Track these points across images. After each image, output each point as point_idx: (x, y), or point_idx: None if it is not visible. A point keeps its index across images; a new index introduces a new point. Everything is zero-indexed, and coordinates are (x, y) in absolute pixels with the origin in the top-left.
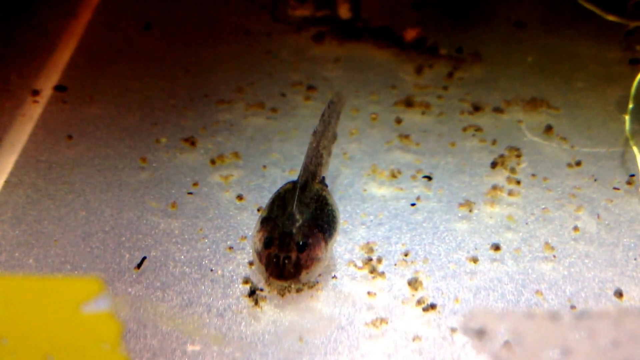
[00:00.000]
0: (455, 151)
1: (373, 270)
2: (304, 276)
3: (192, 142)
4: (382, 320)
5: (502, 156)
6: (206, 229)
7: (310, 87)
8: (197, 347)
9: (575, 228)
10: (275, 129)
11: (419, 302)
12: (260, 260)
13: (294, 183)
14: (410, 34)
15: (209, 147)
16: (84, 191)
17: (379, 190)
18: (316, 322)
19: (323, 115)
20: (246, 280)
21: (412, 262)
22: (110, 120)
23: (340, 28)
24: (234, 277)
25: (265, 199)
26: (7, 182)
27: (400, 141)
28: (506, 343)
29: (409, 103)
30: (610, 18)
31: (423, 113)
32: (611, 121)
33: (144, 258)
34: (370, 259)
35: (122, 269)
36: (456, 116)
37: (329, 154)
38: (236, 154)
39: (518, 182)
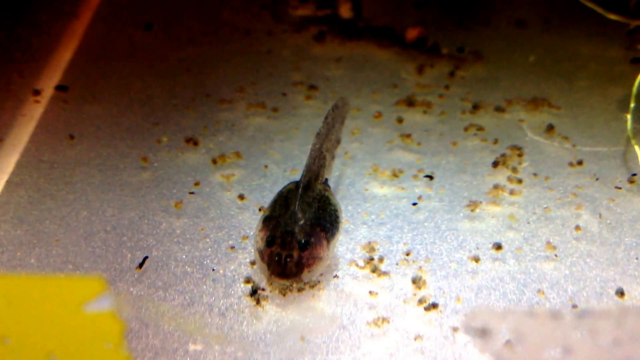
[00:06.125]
0: (456, 150)
1: (375, 270)
2: (305, 275)
3: (193, 141)
4: (384, 320)
5: (503, 155)
6: (208, 229)
7: (312, 87)
8: (199, 347)
9: (577, 227)
10: (276, 129)
11: (421, 301)
12: (262, 258)
13: (296, 183)
14: (412, 34)
15: (210, 146)
16: (86, 191)
17: (381, 189)
18: (318, 321)
19: (327, 117)
20: (248, 280)
21: (413, 261)
22: (111, 120)
23: (341, 27)
24: (236, 276)
25: (266, 199)
26: (8, 182)
27: (401, 140)
28: (508, 342)
29: (410, 102)
30: (612, 17)
31: (424, 112)
32: (613, 120)
33: (146, 258)
34: (372, 259)
35: (123, 268)
36: (457, 115)
37: (332, 157)
38: (237, 154)
39: (520, 182)
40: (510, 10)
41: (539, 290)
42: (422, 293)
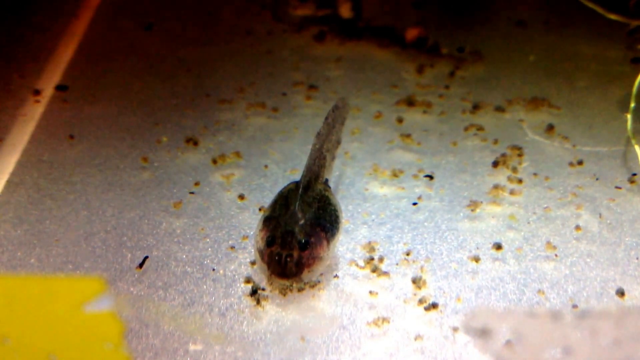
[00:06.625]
0: (456, 150)
1: (375, 270)
2: (306, 275)
3: (193, 141)
4: (384, 320)
5: (503, 155)
6: (208, 229)
7: (312, 87)
8: (199, 347)
9: (577, 227)
10: (276, 129)
11: (421, 301)
12: (263, 258)
13: (296, 183)
14: (412, 33)
15: (210, 146)
16: (86, 191)
17: (381, 189)
18: (318, 321)
19: (327, 118)
20: (248, 280)
21: (413, 261)
22: (111, 120)
23: (341, 27)
24: (236, 276)
25: (266, 199)
26: (8, 181)
27: (401, 140)
28: (508, 342)
29: (410, 102)
30: (612, 17)
31: (424, 112)
32: (613, 120)
33: (146, 257)
34: (372, 259)
35: (124, 268)
36: (457, 115)
37: (333, 157)
38: (237, 154)
39: (520, 181)
40: (510, 10)
41: (539, 290)
42: (422, 293)
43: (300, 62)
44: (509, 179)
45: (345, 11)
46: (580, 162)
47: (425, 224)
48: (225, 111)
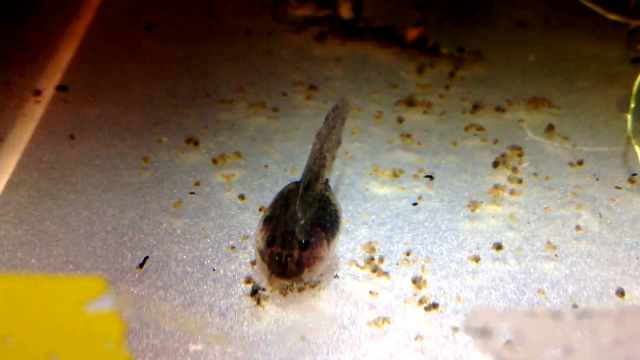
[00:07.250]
0: (457, 150)
1: (375, 270)
2: (306, 274)
3: (194, 141)
4: (384, 320)
5: (503, 155)
6: (208, 229)
7: (312, 87)
8: (200, 347)
9: (577, 227)
10: (276, 129)
11: (421, 301)
12: (263, 258)
13: (297, 183)
14: (412, 34)
15: (210, 146)
16: (86, 191)
17: (381, 189)
18: (318, 321)
19: (327, 118)
20: (248, 280)
21: (414, 261)
22: (112, 120)
23: (341, 28)
24: (236, 276)
25: (266, 199)
26: (9, 181)
27: (402, 140)
28: (508, 342)
29: (410, 102)
30: (612, 17)
31: (425, 112)
32: (613, 120)
33: (147, 257)
34: (372, 259)
35: (124, 268)
36: (458, 115)
37: (333, 157)
38: (238, 154)
39: (520, 182)
40: (511, 10)
41: (539, 290)
42: (422, 293)
43: (301, 62)
44: (509, 179)
45: (346, 11)
46: (580, 162)
47: (426, 224)
48: (226, 111)
